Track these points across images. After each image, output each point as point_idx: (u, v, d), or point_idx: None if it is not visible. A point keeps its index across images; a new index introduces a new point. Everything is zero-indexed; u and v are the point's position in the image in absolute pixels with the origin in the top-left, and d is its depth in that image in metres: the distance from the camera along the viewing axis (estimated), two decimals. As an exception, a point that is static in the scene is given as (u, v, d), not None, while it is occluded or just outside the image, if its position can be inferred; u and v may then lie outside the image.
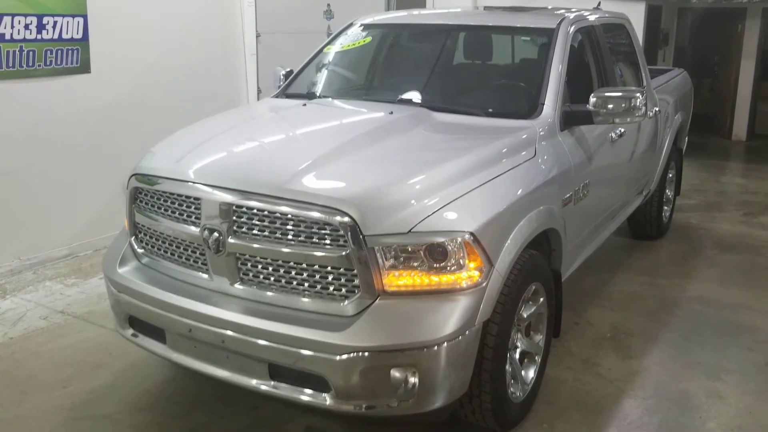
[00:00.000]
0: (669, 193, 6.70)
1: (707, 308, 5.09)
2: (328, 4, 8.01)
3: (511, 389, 3.45)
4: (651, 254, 6.25)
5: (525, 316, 3.51)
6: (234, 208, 3.08)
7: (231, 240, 3.10)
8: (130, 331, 3.56)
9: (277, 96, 4.77)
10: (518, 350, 3.56)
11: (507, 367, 3.37)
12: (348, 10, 7.48)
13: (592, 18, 4.88)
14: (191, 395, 3.86)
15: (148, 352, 3.61)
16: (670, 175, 6.63)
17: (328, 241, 2.94)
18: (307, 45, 5.01)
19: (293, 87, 4.78)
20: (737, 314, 4.99)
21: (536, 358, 3.71)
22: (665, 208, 6.62)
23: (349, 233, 2.88)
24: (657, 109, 5.65)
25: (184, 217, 3.28)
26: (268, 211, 3.02)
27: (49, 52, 5.44)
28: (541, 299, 3.65)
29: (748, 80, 11.79)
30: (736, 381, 4.09)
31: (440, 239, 2.94)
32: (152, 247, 3.53)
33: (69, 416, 3.67)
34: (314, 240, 2.96)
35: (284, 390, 3.06)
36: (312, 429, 3.58)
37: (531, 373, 3.67)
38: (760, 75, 11.97)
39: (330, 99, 4.54)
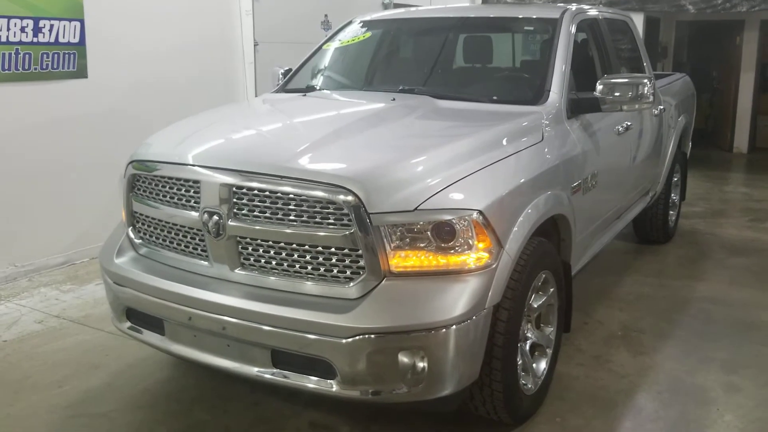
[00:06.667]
0: (674, 197, 6.62)
1: (718, 307, 4.97)
2: (326, 15, 7.99)
3: (523, 381, 3.33)
4: (658, 257, 6.14)
5: (535, 306, 3.40)
6: (234, 189, 2.98)
7: (231, 223, 2.99)
8: (128, 323, 3.44)
9: (276, 92, 4.70)
10: (529, 342, 3.44)
11: (518, 358, 3.25)
12: (346, 20, 7.46)
13: (594, 12, 4.84)
14: (191, 393, 3.73)
15: (147, 348, 3.52)
16: (676, 179, 6.55)
17: (331, 221, 2.84)
18: (305, 54, 4.96)
19: (292, 83, 4.72)
20: (749, 313, 4.87)
21: (547, 350, 3.59)
22: (671, 212, 6.53)
23: (353, 212, 2.78)
24: (662, 107, 5.58)
25: (183, 201, 3.17)
26: (270, 191, 2.91)
27: (45, 55, 5.38)
28: (551, 290, 3.54)
29: (747, 93, 11.78)
30: (753, 375, 3.96)
31: (447, 217, 2.84)
32: (150, 236, 3.43)
33: (64, 415, 3.54)
34: (317, 220, 2.86)
35: (288, 377, 2.94)
36: (315, 425, 3.44)
37: (542, 366, 3.54)
38: (760, 88, 11.97)
39: (330, 92, 4.47)
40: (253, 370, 3.00)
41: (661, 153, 5.77)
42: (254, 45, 7.13)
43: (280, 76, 4.88)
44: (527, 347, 3.42)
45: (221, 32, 6.98)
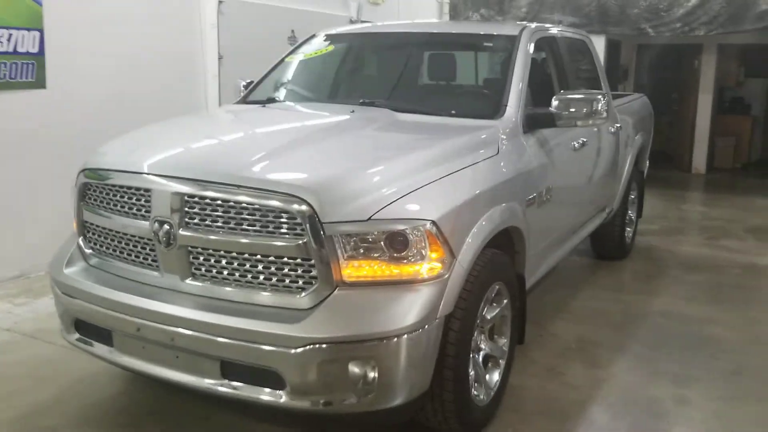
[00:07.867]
0: (631, 214, 6.72)
1: (673, 322, 5.05)
2: (293, 30, 8.00)
3: (475, 392, 3.34)
4: (614, 273, 6.23)
5: (488, 317, 3.42)
6: (186, 198, 2.96)
7: (182, 232, 2.97)
8: (76, 335, 3.39)
9: (236, 103, 4.69)
10: (482, 353, 3.45)
11: (470, 369, 3.26)
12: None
13: (554, 30, 4.92)
14: (142, 407, 3.68)
15: (99, 362, 3.46)
16: (632, 197, 6.66)
17: (284, 230, 2.83)
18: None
19: (254, 95, 4.71)
20: (703, 327, 4.95)
21: (500, 362, 3.60)
22: (628, 229, 6.62)
23: (307, 221, 2.78)
24: (618, 125, 5.68)
25: (134, 210, 3.14)
26: (222, 200, 2.90)
27: (3, 65, 5.31)
28: (505, 301, 3.57)
29: (705, 114, 12.04)
30: (703, 388, 4.02)
31: (401, 227, 2.85)
32: (101, 246, 3.38)
33: (11, 429, 3.46)
34: (270, 229, 2.85)
35: (236, 389, 2.90)
36: (268, 438, 3.42)
37: (495, 377, 3.56)
38: (718, 110, 12.22)
39: (290, 103, 4.48)
40: (203, 382, 2.96)
41: (617, 170, 5.86)
42: (219, 58, 7.12)
43: (242, 88, 4.88)
44: (480, 358, 3.43)
45: (184, 44, 6.95)
